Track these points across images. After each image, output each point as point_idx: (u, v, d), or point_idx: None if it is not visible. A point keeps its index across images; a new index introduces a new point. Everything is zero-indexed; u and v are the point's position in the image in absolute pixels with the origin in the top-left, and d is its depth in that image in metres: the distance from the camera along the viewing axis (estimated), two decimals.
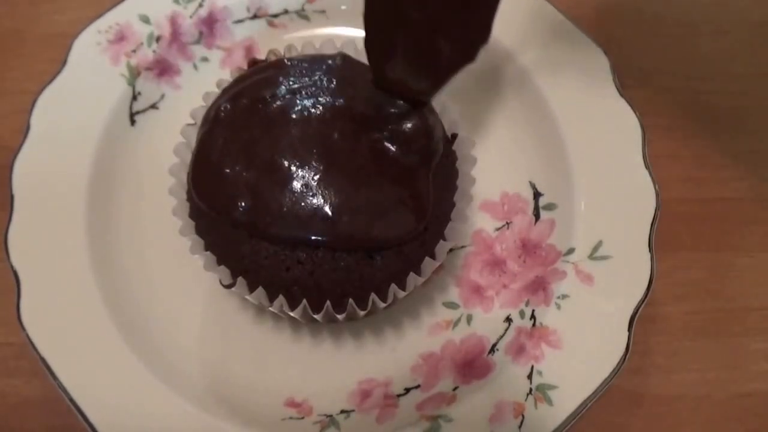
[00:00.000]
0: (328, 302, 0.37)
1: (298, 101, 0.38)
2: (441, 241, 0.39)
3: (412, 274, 0.38)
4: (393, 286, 0.38)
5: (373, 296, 0.38)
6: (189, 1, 0.50)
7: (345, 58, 0.42)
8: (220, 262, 0.38)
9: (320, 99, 0.38)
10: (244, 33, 0.52)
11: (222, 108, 0.39)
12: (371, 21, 0.36)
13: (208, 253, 0.38)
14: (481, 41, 0.35)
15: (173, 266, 0.44)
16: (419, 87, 0.38)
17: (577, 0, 0.56)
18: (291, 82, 0.39)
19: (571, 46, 0.49)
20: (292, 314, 0.39)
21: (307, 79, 0.39)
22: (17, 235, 0.42)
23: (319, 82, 0.39)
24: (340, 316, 0.39)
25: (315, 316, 0.39)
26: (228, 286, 0.39)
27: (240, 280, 0.37)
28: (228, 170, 0.37)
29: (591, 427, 0.42)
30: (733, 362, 0.45)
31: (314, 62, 0.41)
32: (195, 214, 0.39)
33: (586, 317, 0.41)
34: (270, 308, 0.40)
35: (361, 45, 0.40)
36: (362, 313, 0.39)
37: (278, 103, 0.38)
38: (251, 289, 0.38)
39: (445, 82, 0.37)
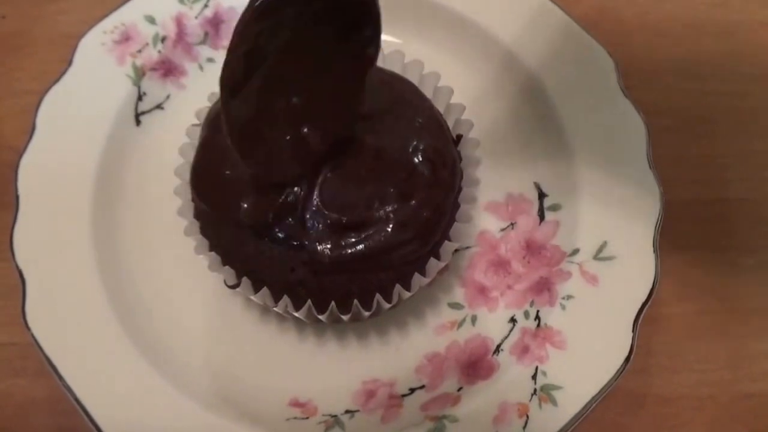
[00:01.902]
0: (333, 303, 0.37)
1: None
2: (446, 242, 0.39)
3: (416, 275, 0.38)
4: (398, 287, 0.38)
5: (377, 297, 0.38)
6: (194, 1, 0.50)
7: None
8: (224, 263, 0.38)
9: None
10: None
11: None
12: (232, 114, 0.32)
13: (213, 253, 0.38)
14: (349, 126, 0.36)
15: (178, 266, 0.44)
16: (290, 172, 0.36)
17: (581, 0, 0.56)
18: None
19: (575, 46, 0.49)
20: (296, 315, 0.39)
21: None
22: (22, 235, 0.42)
23: None
24: (345, 317, 0.39)
25: (320, 317, 0.39)
26: (233, 287, 0.39)
27: (245, 280, 0.37)
28: (229, 171, 0.37)
29: (595, 427, 0.42)
30: (737, 363, 0.45)
31: None
32: (200, 214, 0.39)
33: (590, 318, 0.41)
34: (274, 309, 0.40)
35: None
36: (367, 313, 0.39)
37: None
38: (256, 289, 0.38)
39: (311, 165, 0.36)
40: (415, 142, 0.37)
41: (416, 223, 0.36)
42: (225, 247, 0.38)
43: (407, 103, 0.39)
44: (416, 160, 0.37)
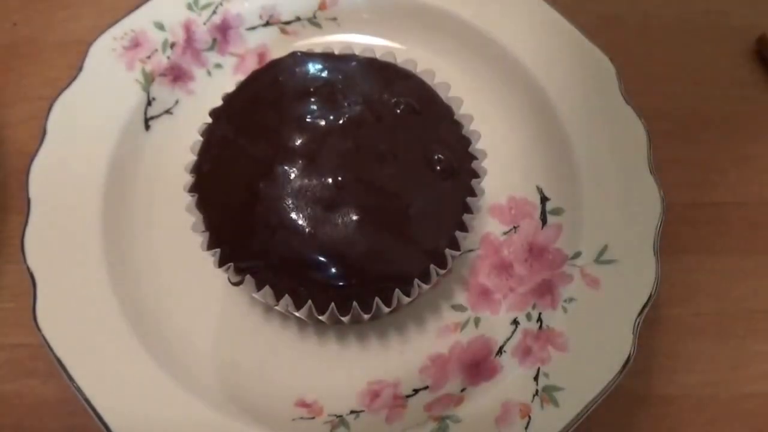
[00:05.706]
0: (332, 304, 0.38)
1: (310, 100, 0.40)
2: (447, 250, 0.39)
3: (416, 281, 0.38)
4: (397, 292, 0.38)
5: (377, 300, 0.38)
6: (203, 8, 0.51)
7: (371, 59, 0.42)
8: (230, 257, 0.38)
9: (339, 101, 0.39)
10: (257, 40, 0.52)
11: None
12: None
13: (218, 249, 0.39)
14: None
15: (185, 268, 0.45)
16: None
17: (583, 7, 0.56)
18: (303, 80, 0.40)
19: (577, 52, 0.49)
20: (297, 314, 0.39)
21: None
22: (33, 238, 0.43)
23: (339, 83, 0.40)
24: (344, 319, 0.39)
25: (320, 318, 0.39)
26: (236, 284, 0.39)
27: (248, 278, 0.38)
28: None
29: (596, 427, 0.43)
30: (737, 363, 0.45)
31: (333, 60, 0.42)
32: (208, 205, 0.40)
33: (591, 320, 0.42)
34: (276, 307, 0.40)
35: (380, 53, 0.41)
36: (366, 316, 0.39)
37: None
38: (258, 287, 0.38)
39: None
40: (435, 147, 0.39)
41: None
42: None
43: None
44: (433, 166, 0.39)
